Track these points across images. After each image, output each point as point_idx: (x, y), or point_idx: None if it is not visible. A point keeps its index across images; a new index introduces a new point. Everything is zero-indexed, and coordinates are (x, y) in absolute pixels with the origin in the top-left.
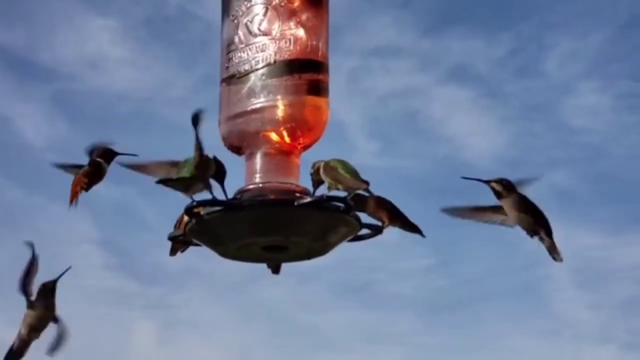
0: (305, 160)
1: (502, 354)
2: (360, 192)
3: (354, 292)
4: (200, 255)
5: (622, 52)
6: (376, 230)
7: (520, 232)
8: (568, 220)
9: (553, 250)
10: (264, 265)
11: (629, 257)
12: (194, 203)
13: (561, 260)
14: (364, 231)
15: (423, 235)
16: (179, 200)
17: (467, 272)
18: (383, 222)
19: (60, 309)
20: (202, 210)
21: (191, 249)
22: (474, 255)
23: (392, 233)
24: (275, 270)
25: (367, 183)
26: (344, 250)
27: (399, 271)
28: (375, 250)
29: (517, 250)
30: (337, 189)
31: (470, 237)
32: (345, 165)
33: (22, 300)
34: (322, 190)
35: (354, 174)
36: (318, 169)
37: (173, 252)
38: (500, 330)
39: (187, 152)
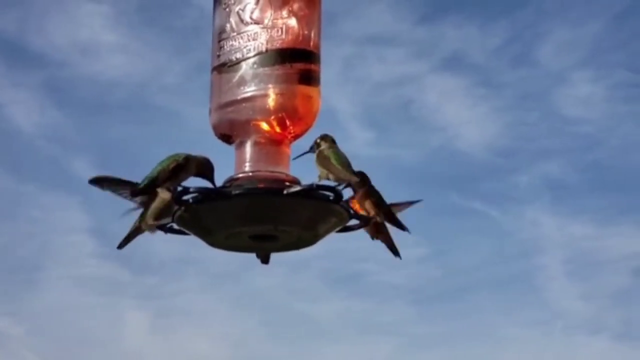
0: (296, 150)
1: (494, 344)
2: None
3: (346, 281)
4: (193, 245)
5: (617, 42)
6: (365, 221)
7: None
8: (560, 210)
9: None
10: (255, 255)
11: (621, 247)
12: (183, 190)
13: None
14: (353, 222)
15: (409, 232)
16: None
17: (460, 262)
18: (369, 214)
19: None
20: (191, 198)
21: (183, 238)
22: (467, 245)
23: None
24: (265, 260)
25: (357, 176)
26: (335, 240)
27: (390, 261)
28: (367, 239)
29: (509, 241)
30: (328, 178)
31: (463, 227)
32: (338, 156)
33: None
34: (312, 178)
35: (346, 165)
36: (318, 145)
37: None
38: (493, 320)
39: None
